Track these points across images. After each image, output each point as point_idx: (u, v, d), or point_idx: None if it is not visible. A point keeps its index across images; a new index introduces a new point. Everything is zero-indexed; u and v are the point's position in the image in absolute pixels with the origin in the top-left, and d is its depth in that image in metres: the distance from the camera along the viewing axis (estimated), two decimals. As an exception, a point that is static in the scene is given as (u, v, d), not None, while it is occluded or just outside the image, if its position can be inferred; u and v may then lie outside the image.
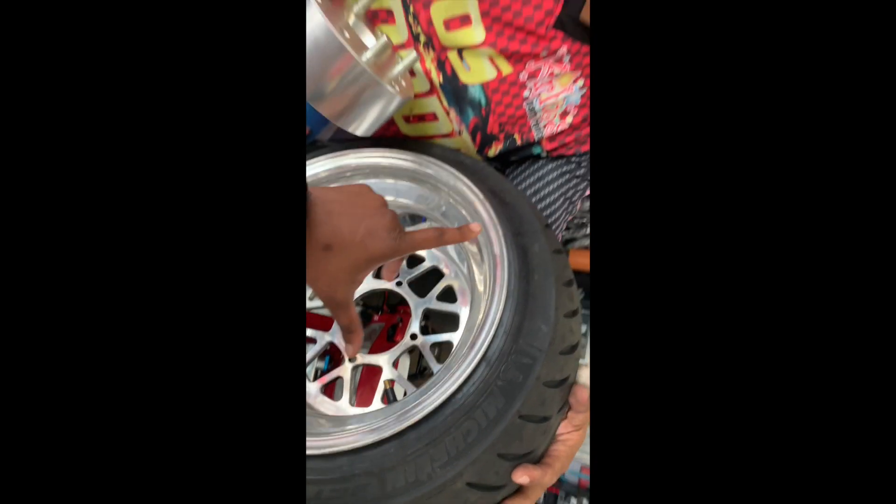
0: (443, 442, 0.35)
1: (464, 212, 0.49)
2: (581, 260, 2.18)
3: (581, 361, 0.44)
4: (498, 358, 0.37)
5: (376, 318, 0.78)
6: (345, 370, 0.53)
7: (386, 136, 0.59)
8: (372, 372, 0.55)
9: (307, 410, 0.50)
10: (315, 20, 0.39)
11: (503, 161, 0.64)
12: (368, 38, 0.49)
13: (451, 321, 0.54)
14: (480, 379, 0.36)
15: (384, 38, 0.43)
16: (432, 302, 0.55)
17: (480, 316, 0.41)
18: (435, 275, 0.57)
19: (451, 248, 0.57)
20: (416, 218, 0.61)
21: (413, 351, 0.54)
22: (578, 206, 0.68)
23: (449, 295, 0.55)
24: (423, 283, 0.57)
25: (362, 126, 0.47)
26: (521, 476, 0.37)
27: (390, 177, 0.54)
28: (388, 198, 0.54)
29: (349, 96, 0.43)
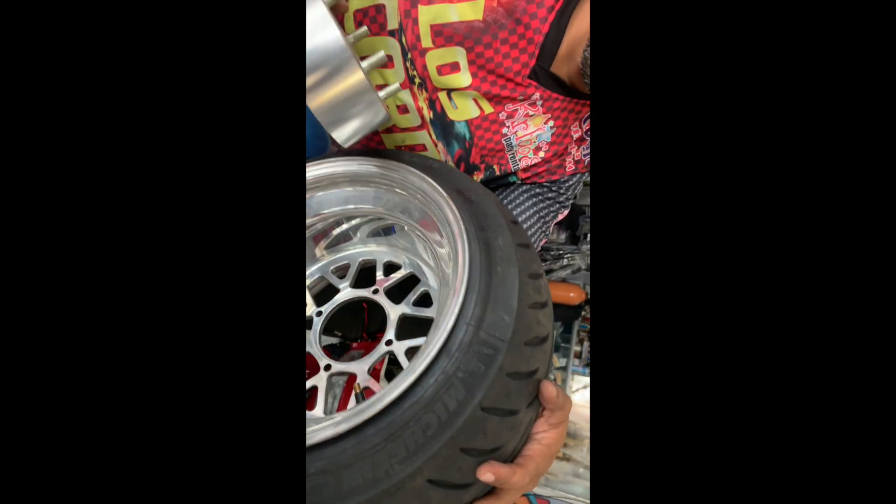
0: (401, 436, 0.33)
1: (428, 210, 0.50)
2: (557, 292, 2.20)
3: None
4: (458, 349, 0.36)
5: (354, 346, 0.77)
6: (320, 379, 0.52)
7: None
8: (353, 381, 0.53)
9: None
10: (329, 32, 0.41)
11: None
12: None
13: (427, 326, 0.54)
14: (440, 371, 0.35)
15: (381, 53, 0.46)
16: (408, 308, 0.54)
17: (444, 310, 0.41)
18: (412, 281, 0.57)
19: (426, 252, 0.57)
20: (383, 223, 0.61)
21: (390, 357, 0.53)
22: (552, 227, 0.72)
23: (426, 300, 0.55)
24: (402, 290, 0.56)
25: (346, 134, 0.48)
26: (486, 473, 0.35)
27: (349, 184, 0.55)
28: (349, 206, 0.56)
29: (345, 104, 0.45)
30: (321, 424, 0.35)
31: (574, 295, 2.12)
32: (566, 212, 0.69)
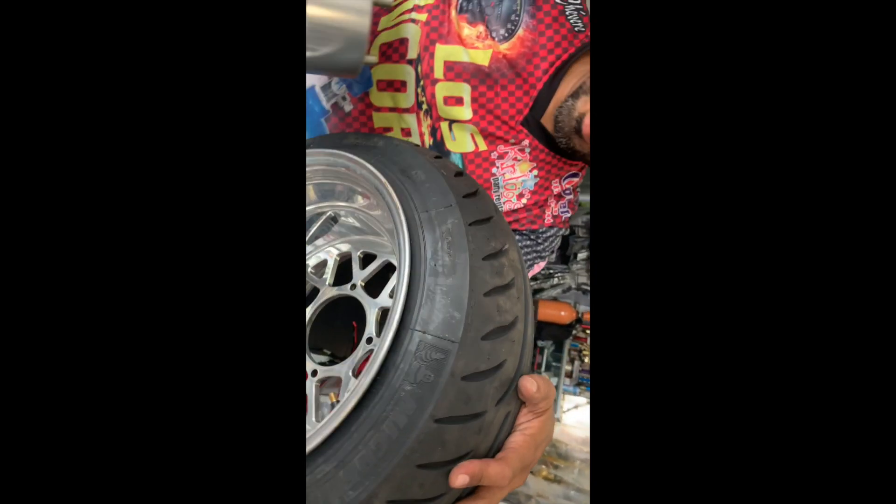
0: (351, 461, 0.31)
1: (361, 199, 0.47)
2: (548, 311, 2.17)
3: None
4: (404, 359, 0.33)
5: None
6: (309, 386, 0.48)
7: None
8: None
9: None
10: None
11: None
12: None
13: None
14: (385, 386, 0.33)
15: None
16: (385, 300, 0.50)
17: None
18: (390, 269, 0.54)
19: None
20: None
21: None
22: (530, 275, 0.73)
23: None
24: (381, 282, 0.53)
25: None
26: (459, 476, 0.33)
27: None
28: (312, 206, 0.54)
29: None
30: None
31: (565, 314, 2.09)
32: (543, 263, 0.73)
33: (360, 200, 0.51)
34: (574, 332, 2.03)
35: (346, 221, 0.58)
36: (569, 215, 0.72)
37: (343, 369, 0.47)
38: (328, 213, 0.57)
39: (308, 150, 0.49)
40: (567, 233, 0.75)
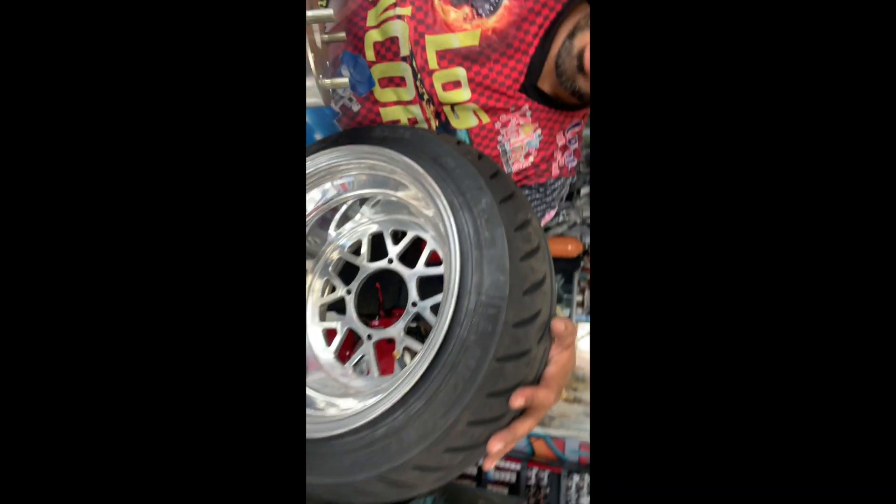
0: (437, 398, 0.41)
1: (410, 186, 0.54)
2: (555, 247, 2.24)
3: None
4: (466, 316, 0.42)
5: (373, 324, 0.82)
6: (368, 348, 0.58)
7: None
8: (385, 344, 0.59)
9: (345, 390, 0.55)
10: None
11: None
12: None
13: (441, 282, 0.59)
14: (455, 339, 0.42)
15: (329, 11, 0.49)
16: (422, 269, 0.59)
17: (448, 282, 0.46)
18: (420, 242, 0.62)
19: (418, 214, 0.61)
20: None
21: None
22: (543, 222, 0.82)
23: (436, 259, 0.60)
24: (415, 253, 0.61)
25: None
26: (518, 400, 0.42)
27: (329, 179, 0.61)
28: (342, 196, 0.62)
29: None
30: (373, 400, 0.43)
31: (572, 248, 2.18)
32: (553, 212, 0.78)
33: (397, 188, 0.59)
34: (582, 263, 2.12)
35: (374, 205, 0.66)
36: (575, 164, 0.75)
37: (394, 331, 0.57)
38: (351, 201, 0.65)
39: (345, 148, 0.57)
40: (575, 180, 0.80)
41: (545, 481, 2.03)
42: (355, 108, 0.70)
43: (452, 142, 0.55)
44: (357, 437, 0.42)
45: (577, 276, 2.19)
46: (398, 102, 0.68)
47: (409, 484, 0.42)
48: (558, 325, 0.47)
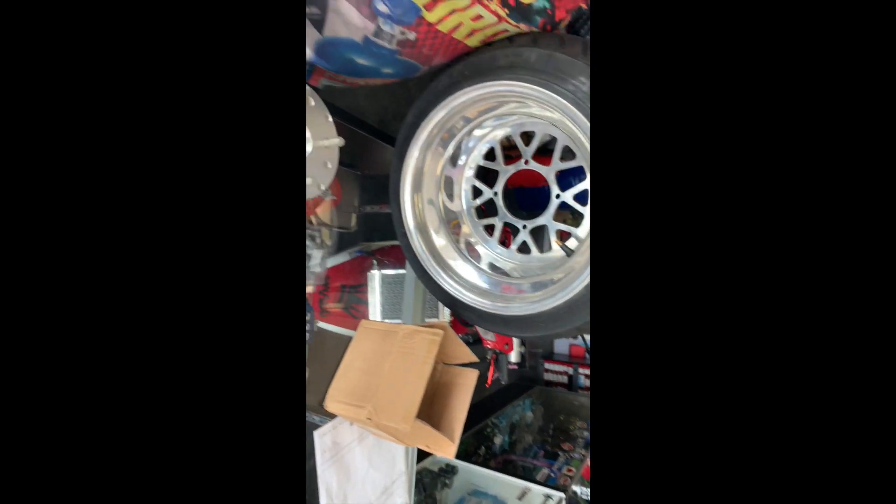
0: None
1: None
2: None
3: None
4: None
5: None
6: (525, 234, 0.74)
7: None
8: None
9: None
10: None
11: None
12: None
13: (578, 173, 0.68)
14: None
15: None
16: (558, 164, 0.68)
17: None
18: (552, 142, 0.71)
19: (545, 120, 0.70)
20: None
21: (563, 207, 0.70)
22: None
23: (568, 153, 0.69)
24: (547, 152, 0.71)
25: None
26: None
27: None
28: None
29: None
30: (541, 301, 0.63)
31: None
32: None
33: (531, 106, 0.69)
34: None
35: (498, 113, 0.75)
36: None
37: (543, 220, 0.68)
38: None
39: (480, 85, 0.67)
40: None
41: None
42: (411, 36, 0.70)
43: (577, 53, 0.63)
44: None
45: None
46: (454, 11, 0.67)
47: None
48: None
